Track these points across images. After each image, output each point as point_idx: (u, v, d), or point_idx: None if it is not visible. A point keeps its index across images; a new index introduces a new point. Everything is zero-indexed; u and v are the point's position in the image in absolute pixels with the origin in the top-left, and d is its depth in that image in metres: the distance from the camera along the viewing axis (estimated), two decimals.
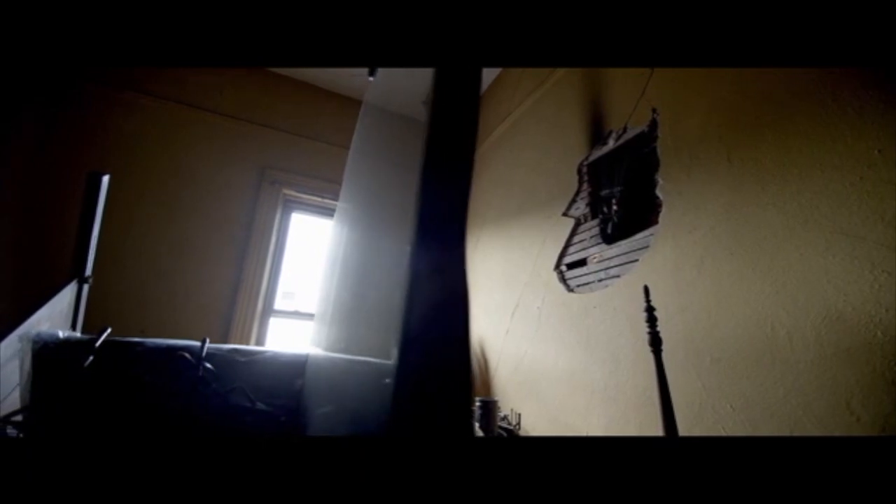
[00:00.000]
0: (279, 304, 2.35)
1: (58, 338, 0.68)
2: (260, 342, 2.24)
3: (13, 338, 0.96)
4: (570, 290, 1.76)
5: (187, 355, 0.72)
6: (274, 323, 2.31)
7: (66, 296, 1.20)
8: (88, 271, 1.26)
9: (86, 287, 1.27)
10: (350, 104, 2.65)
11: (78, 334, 0.71)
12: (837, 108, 1.00)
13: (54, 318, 1.16)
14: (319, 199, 2.49)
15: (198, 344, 0.76)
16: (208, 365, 0.70)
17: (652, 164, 1.43)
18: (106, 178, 1.21)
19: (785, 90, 1.11)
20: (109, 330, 0.69)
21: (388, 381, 0.89)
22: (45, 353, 0.67)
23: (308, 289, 2.63)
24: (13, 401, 1.03)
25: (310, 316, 2.43)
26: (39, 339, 0.67)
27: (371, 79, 1.75)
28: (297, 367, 0.81)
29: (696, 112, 1.31)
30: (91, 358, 0.64)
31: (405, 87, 2.41)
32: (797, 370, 0.97)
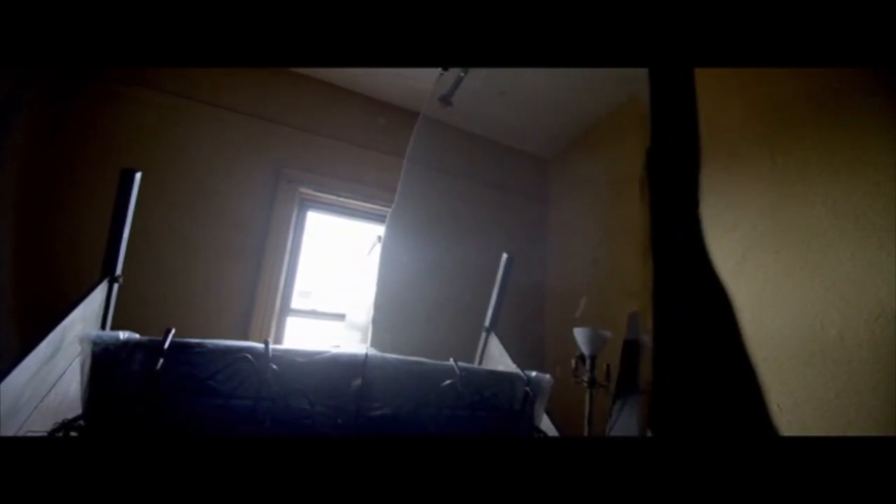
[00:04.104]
0: (296, 303, 2.33)
1: (118, 339, 0.66)
2: (278, 341, 2.22)
3: (50, 339, 0.94)
4: None
5: (249, 356, 0.70)
6: (291, 322, 2.29)
7: (98, 295, 1.18)
8: (119, 270, 1.23)
9: (116, 286, 1.24)
10: (367, 102, 2.63)
11: (137, 336, 0.69)
12: (888, 105, 0.99)
13: (88, 318, 1.14)
14: (335, 198, 2.47)
15: (256, 345, 0.75)
16: (274, 366, 0.68)
17: None
18: (138, 175, 1.19)
19: (829, 87, 1.10)
20: (174, 331, 0.67)
21: (447, 382, 0.88)
22: (107, 355, 0.65)
23: (325, 288, 2.61)
24: (49, 402, 1.00)
25: (328, 315, 2.41)
26: (100, 341, 0.65)
27: (442, 73, 1.72)
28: (354, 369, 0.79)
29: (734, 110, 1.30)
30: (162, 361, 0.62)
31: (481, 106, 2.39)
32: (850, 370, 0.96)
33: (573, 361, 1.81)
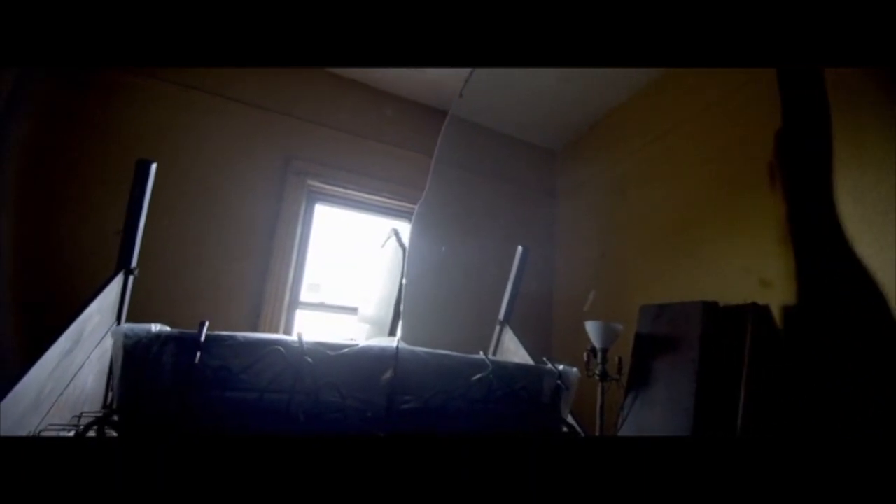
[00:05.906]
0: (304, 296, 2.32)
1: (150, 332, 0.65)
2: (287, 334, 2.22)
3: (70, 333, 0.92)
4: None
5: (281, 349, 0.69)
6: (300, 315, 2.28)
7: (114, 288, 1.16)
8: (134, 263, 1.22)
9: (131, 279, 1.23)
10: (375, 94, 2.60)
11: (168, 328, 0.68)
12: None
13: (104, 311, 1.13)
14: (343, 191, 2.45)
15: (287, 338, 0.74)
16: (309, 359, 0.67)
17: None
18: (154, 166, 1.17)
19: (856, 78, 1.08)
20: (207, 323, 0.66)
21: (479, 375, 0.87)
22: (139, 348, 0.64)
23: (334, 281, 2.60)
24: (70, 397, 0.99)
25: (337, 308, 2.40)
26: (133, 335, 0.64)
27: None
28: (384, 362, 0.78)
29: None
30: (199, 354, 0.61)
31: (490, 99, 2.38)
32: None
33: (585, 354, 1.81)
